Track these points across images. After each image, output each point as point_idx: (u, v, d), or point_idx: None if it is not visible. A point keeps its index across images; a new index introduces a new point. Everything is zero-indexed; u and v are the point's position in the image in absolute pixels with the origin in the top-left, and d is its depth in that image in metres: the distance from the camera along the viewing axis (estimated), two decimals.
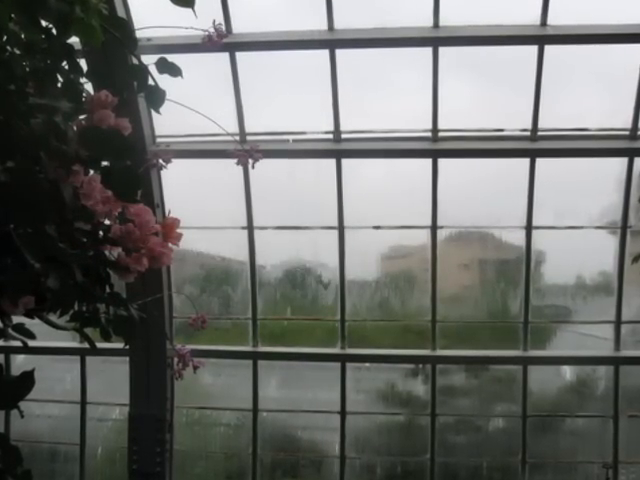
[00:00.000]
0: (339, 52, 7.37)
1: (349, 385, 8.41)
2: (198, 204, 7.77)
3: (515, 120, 7.72)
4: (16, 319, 1.90)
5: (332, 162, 7.86)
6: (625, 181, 7.71)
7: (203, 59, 6.61)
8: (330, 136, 7.84)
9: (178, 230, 1.80)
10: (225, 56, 7.38)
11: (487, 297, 8.86)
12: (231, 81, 7.53)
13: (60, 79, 1.85)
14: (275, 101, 7.78)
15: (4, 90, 1.66)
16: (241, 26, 7.19)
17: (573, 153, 7.70)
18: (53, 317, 1.85)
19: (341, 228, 8.05)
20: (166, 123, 7.22)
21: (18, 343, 1.97)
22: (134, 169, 1.78)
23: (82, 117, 1.77)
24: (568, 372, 8.93)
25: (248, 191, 8.01)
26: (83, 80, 1.93)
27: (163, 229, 1.77)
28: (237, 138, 7.49)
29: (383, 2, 7.10)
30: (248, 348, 8.47)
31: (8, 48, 1.77)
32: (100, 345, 1.99)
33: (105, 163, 1.76)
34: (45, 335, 2.14)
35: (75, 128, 1.74)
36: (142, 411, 8.10)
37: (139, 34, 2.19)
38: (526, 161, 7.72)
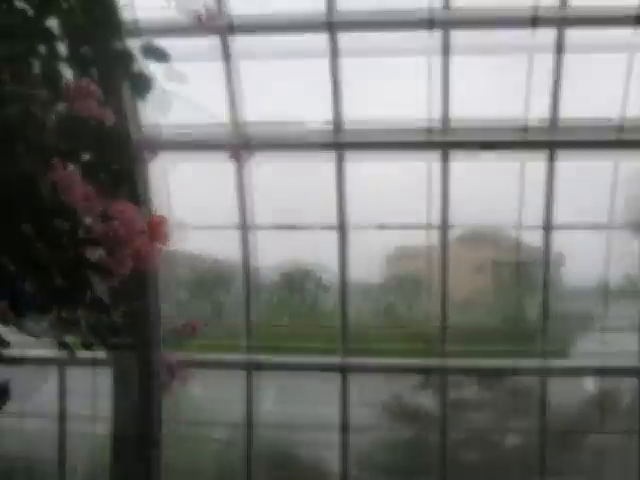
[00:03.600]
0: (340, 35, 7.38)
1: (351, 398, 8.41)
2: (189, 201, 7.78)
3: (532, 110, 7.72)
4: None
5: (332, 155, 7.87)
6: None
7: (194, 43, 6.61)
8: (330, 126, 7.85)
9: (166, 229, 1.80)
10: (217, 39, 7.39)
11: (502, 302, 8.87)
12: (224, 67, 7.54)
13: (38, 65, 1.85)
14: (271, 88, 7.77)
15: None
16: (235, 7, 7.20)
17: (596, 145, 7.70)
18: (30, 324, 1.85)
19: (343, 227, 8.06)
20: (153, 112, 7.22)
21: None
22: (118, 163, 1.78)
23: (61, 106, 1.77)
24: (590, 384, 8.93)
25: (242, 187, 8.00)
26: (62, 66, 1.93)
27: (149, 228, 1.77)
28: (230, 129, 7.49)
29: None
30: (242, 357, 8.48)
31: None
32: (80, 354, 1.99)
33: (86, 156, 1.77)
34: (21, 344, 2.15)
35: (54, 118, 1.74)
36: (126, 426, 8.09)
37: (124, 16, 2.19)
38: (545, 154, 7.73)
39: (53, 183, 1.65)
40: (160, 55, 2.21)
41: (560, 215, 7.91)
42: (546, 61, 7.31)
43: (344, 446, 8.36)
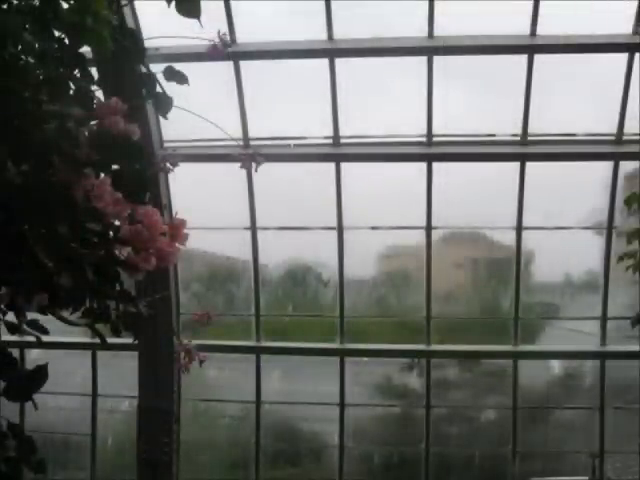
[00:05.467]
0: (338, 61, 7.38)
1: (348, 378, 8.39)
2: (204, 206, 7.76)
3: (506, 125, 7.73)
4: (30, 315, 1.90)
5: (331, 166, 7.86)
6: (611, 183, 7.72)
7: (209, 67, 6.61)
8: (330, 141, 7.85)
9: (185, 230, 1.80)
10: (230, 65, 7.38)
11: (479, 294, 8.86)
12: (235, 89, 7.53)
13: (72, 86, 1.85)
14: (277, 107, 7.77)
15: (19, 97, 1.66)
16: (245, 36, 7.20)
17: (561, 157, 7.70)
18: (65, 313, 1.84)
19: (340, 228, 8.05)
20: (173, 128, 7.20)
21: (32, 338, 1.97)
22: (143, 172, 1.78)
23: (93, 123, 1.77)
24: (556, 366, 8.92)
25: (251, 193, 8.01)
26: (94, 87, 1.93)
27: (170, 229, 1.77)
28: (241, 143, 7.48)
29: (380, 13, 7.09)
30: (251, 343, 8.47)
31: (23, 57, 1.77)
32: (110, 340, 1.99)
33: (115, 166, 1.76)
34: (58, 331, 2.14)
35: (86, 133, 1.74)
36: (150, 403, 8.09)
37: (147, 44, 2.19)
38: (516, 165, 7.73)
39: (86, 190, 1.65)
40: (180, 78, 2.21)
41: (530, 217, 7.91)
42: (519, 81, 7.29)
43: (341, 420, 8.34)
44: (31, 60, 1.78)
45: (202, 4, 2.08)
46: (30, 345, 2.32)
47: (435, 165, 7.77)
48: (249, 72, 7.50)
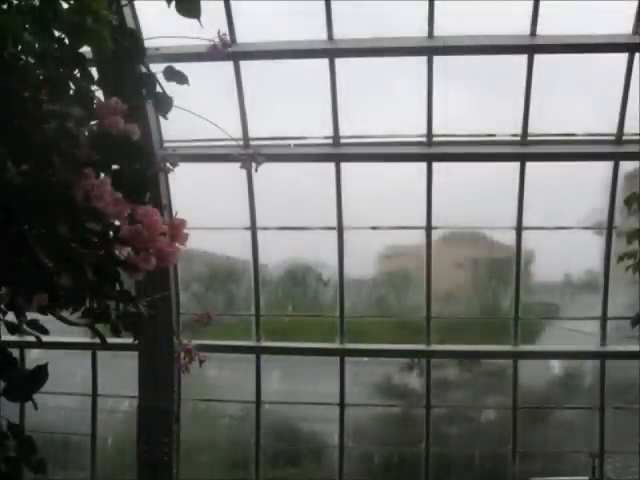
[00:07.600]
0: (338, 61, 7.38)
1: (348, 378, 8.39)
2: (204, 205, 7.76)
3: (506, 125, 7.73)
4: (30, 315, 1.90)
5: (331, 166, 7.86)
6: (611, 183, 7.72)
7: (209, 67, 6.61)
8: (330, 141, 7.85)
9: (185, 230, 1.80)
10: (230, 64, 7.38)
11: (479, 294, 8.86)
12: (235, 89, 7.54)
13: (72, 86, 1.85)
14: (277, 107, 7.77)
15: (19, 97, 1.66)
16: (245, 36, 7.21)
17: (561, 157, 7.71)
18: (65, 314, 1.85)
19: (340, 228, 8.05)
20: (173, 128, 7.21)
21: (32, 338, 1.97)
22: (143, 172, 1.78)
23: (93, 123, 1.77)
24: (556, 366, 8.92)
25: (251, 193, 8.01)
26: (94, 87, 1.93)
27: (170, 229, 1.77)
28: (241, 143, 7.48)
29: (380, 13, 7.09)
30: (251, 343, 8.47)
31: (23, 57, 1.77)
32: (110, 340, 1.99)
33: (115, 166, 1.76)
34: (58, 331, 2.14)
35: (86, 133, 1.74)
36: (150, 403, 8.09)
37: (147, 44, 2.19)
38: (516, 165, 7.73)
39: (86, 190, 1.65)
40: (180, 78, 2.21)
41: (530, 217, 7.91)
42: (519, 81, 7.30)
43: (341, 420, 8.34)
44: (31, 60, 1.78)
45: (202, 4, 2.08)
46: (30, 345, 2.32)
47: (435, 165, 7.77)
48: (249, 72, 7.51)
